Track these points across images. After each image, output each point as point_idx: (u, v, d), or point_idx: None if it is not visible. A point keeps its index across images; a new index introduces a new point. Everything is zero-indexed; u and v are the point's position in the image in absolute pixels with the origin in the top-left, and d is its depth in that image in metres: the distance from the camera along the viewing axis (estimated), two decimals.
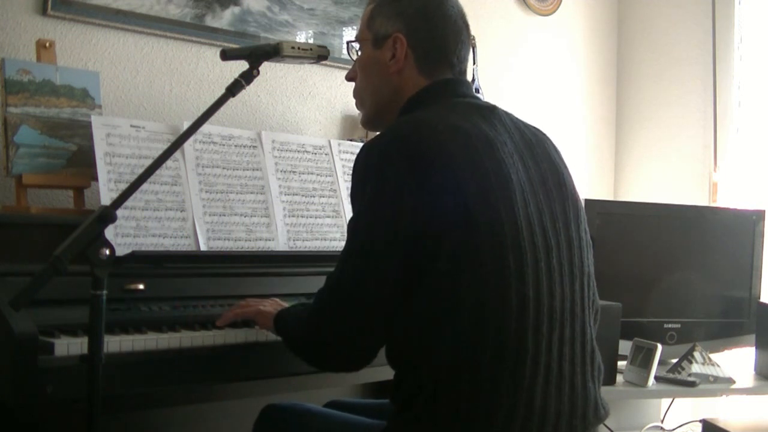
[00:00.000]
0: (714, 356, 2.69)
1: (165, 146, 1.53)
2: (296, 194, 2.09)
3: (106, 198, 1.77)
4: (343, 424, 1.59)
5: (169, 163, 1.80)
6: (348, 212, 2.11)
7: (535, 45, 3.45)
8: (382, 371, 1.55)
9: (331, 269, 1.41)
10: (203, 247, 1.88)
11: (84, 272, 1.30)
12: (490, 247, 1.31)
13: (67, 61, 2.17)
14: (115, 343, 1.52)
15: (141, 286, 1.73)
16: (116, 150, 1.84)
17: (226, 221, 1.94)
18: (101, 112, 1.98)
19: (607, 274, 2.53)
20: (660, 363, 2.54)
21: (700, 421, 2.48)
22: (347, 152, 2.22)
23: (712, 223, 2.93)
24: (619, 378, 2.55)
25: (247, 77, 1.58)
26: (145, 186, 1.45)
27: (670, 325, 2.81)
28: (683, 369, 2.61)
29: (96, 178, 1.81)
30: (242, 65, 1.61)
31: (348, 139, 2.53)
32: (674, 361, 2.69)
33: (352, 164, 1.47)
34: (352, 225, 1.39)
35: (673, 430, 2.94)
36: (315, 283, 1.48)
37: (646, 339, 2.57)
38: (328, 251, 2.06)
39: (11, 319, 1.40)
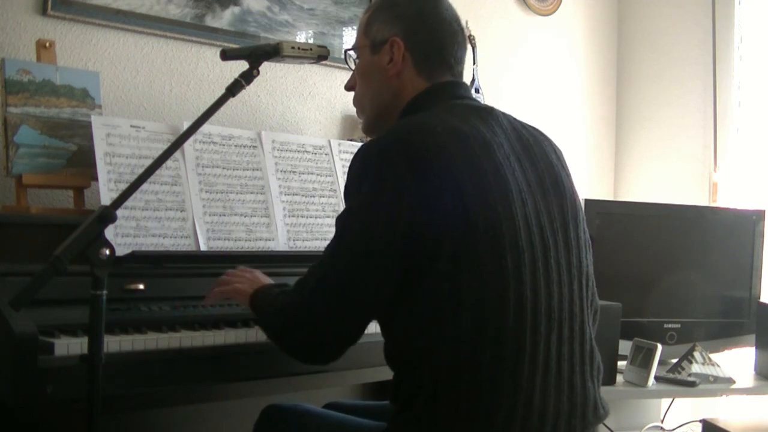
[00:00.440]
0: (714, 356, 2.69)
1: (165, 146, 1.53)
2: (296, 194, 2.09)
3: (106, 198, 1.77)
4: (342, 426, 1.59)
5: (169, 163, 1.80)
6: None
7: (535, 45, 3.45)
8: (381, 371, 1.55)
9: None
10: (203, 247, 1.88)
11: (84, 272, 1.30)
12: (489, 248, 1.31)
13: (67, 61, 2.17)
14: (115, 343, 1.52)
15: (141, 286, 1.74)
16: (116, 150, 1.84)
17: (226, 221, 1.94)
18: (101, 112, 1.98)
19: (607, 274, 2.53)
20: (660, 363, 2.54)
21: (700, 421, 2.48)
22: (347, 152, 2.22)
23: (712, 223, 2.93)
24: (619, 378, 2.55)
25: (247, 77, 1.58)
26: (145, 186, 1.45)
27: (670, 325, 2.81)
28: (683, 369, 2.61)
29: (96, 178, 1.81)
30: (242, 65, 1.61)
31: (348, 139, 2.53)
32: (674, 361, 2.69)
33: None
34: (344, 220, 1.39)
35: (673, 430, 2.94)
36: None
37: (646, 339, 2.57)
38: None
39: (11, 319, 1.40)
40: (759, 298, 2.89)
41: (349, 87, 1.66)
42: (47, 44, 1.97)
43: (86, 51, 2.25)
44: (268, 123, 2.60)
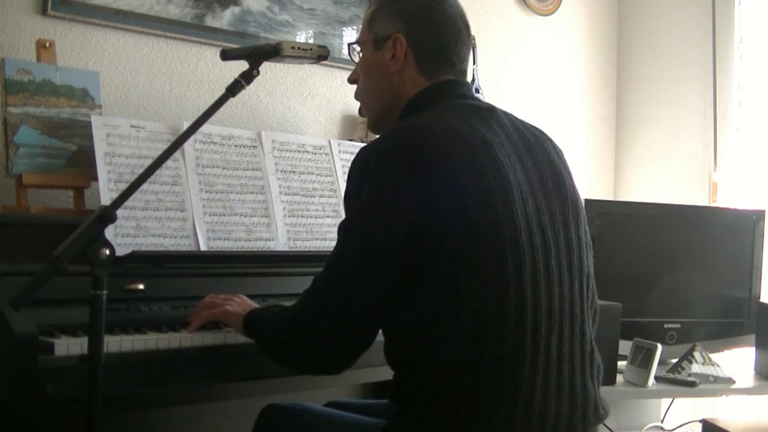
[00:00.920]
0: (714, 356, 2.69)
1: (165, 146, 1.53)
2: (296, 194, 2.09)
3: (106, 198, 1.77)
4: (343, 424, 1.59)
5: (169, 163, 1.80)
6: None
7: (535, 45, 3.45)
8: (382, 371, 1.55)
9: None
10: (203, 247, 1.88)
11: (84, 272, 1.30)
12: (489, 248, 1.31)
13: (67, 61, 2.17)
14: (115, 343, 1.51)
15: (141, 286, 1.74)
16: (116, 150, 1.84)
17: (226, 221, 1.94)
18: (101, 112, 1.98)
19: (607, 274, 2.53)
20: (660, 363, 2.54)
21: (700, 421, 2.48)
22: (347, 152, 2.22)
23: (712, 223, 2.93)
24: (619, 378, 2.54)
25: (247, 77, 1.58)
26: (145, 186, 1.45)
27: (670, 325, 2.81)
28: (683, 369, 2.61)
29: (96, 178, 1.81)
30: (242, 65, 1.61)
31: (348, 139, 2.53)
32: (674, 361, 2.69)
33: None
34: (345, 227, 1.39)
35: (673, 430, 2.94)
36: None
37: (646, 339, 2.57)
38: (328, 251, 2.04)
39: (11, 319, 1.40)
40: (759, 298, 2.89)
41: (351, 80, 1.66)
42: (47, 44, 1.97)
43: (86, 51, 2.25)
44: (268, 123, 2.60)
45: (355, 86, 1.66)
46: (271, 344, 1.51)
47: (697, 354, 2.64)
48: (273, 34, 2.58)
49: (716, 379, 2.60)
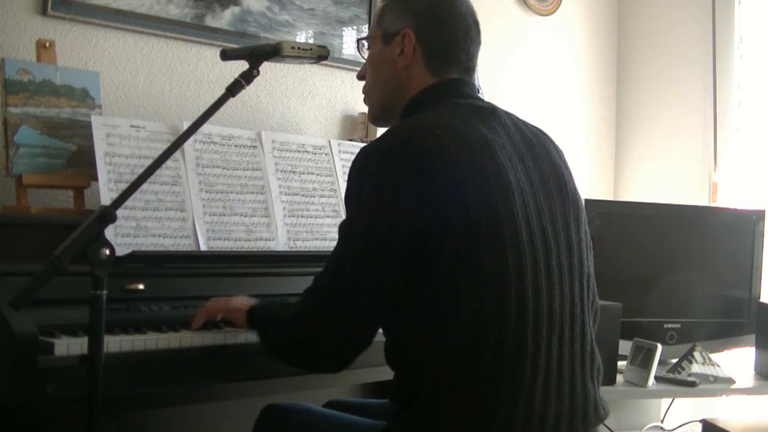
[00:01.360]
0: (714, 356, 2.69)
1: (165, 146, 1.53)
2: (296, 194, 2.09)
3: (106, 198, 1.77)
4: (343, 424, 1.59)
5: (169, 163, 1.80)
6: None
7: (535, 45, 3.45)
8: (382, 371, 1.55)
9: None
10: (203, 247, 1.88)
11: (84, 272, 1.30)
12: (490, 248, 1.31)
13: (67, 61, 2.17)
14: (115, 343, 1.51)
15: (141, 286, 1.73)
16: (116, 150, 1.84)
17: (226, 221, 1.94)
18: (101, 112, 1.98)
19: (607, 274, 2.53)
20: (660, 363, 2.54)
21: (700, 421, 2.48)
22: (347, 152, 2.22)
23: (712, 223, 2.93)
24: (619, 378, 2.54)
25: (247, 77, 1.58)
26: (145, 186, 1.45)
27: (670, 325, 2.81)
28: (683, 369, 2.61)
29: (96, 178, 1.81)
30: (242, 65, 1.61)
31: (348, 139, 2.53)
32: (674, 361, 2.69)
33: None
34: (346, 227, 1.39)
35: (673, 430, 2.94)
36: None
37: (646, 339, 2.57)
38: (328, 251, 2.04)
39: (11, 319, 1.40)
40: (759, 298, 2.89)
41: (360, 76, 1.66)
42: (47, 44, 1.97)
43: (86, 51, 2.25)
44: (268, 123, 2.60)
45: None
46: (273, 342, 1.51)
47: (697, 354, 2.64)
48: (273, 34, 2.58)
49: (716, 379, 2.60)
